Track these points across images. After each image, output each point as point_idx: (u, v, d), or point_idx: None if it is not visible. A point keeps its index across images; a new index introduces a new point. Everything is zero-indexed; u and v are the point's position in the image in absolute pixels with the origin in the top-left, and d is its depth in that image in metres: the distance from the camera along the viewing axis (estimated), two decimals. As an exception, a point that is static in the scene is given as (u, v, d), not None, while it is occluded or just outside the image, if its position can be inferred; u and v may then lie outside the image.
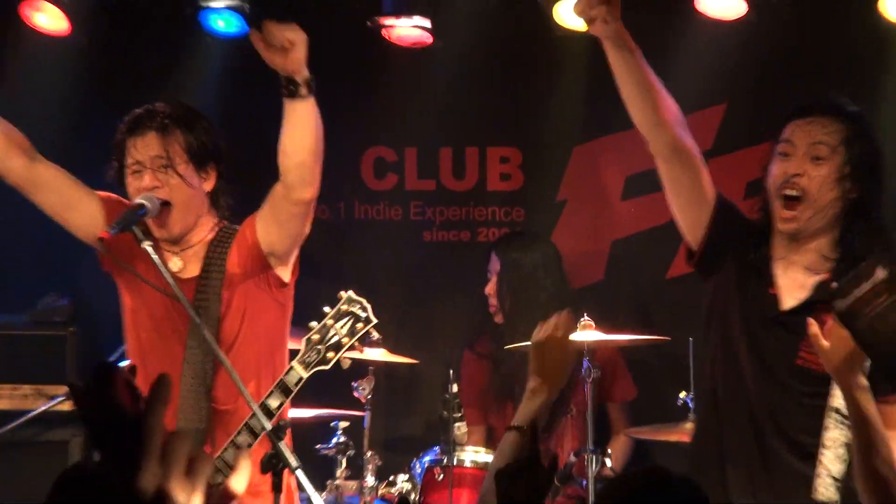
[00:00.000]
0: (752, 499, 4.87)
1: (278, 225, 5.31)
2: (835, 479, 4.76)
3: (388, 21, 6.94)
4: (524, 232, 7.46)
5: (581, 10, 4.80)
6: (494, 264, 7.08)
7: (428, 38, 6.97)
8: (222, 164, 5.38)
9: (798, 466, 4.89)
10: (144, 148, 5.22)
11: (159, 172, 5.22)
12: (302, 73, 5.12)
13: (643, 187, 7.48)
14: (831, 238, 4.97)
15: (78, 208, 5.52)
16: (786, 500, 4.71)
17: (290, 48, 5.08)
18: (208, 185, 5.32)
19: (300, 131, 5.24)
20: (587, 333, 5.91)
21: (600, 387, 6.32)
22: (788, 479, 4.88)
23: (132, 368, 2.80)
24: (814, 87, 6.99)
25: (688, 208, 5.09)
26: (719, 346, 5.11)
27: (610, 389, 7.03)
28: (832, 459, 4.77)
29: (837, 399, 4.76)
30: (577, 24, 6.89)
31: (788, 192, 4.87)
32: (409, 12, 6.92)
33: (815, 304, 4.83)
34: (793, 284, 5.03)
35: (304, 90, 5.14)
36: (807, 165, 4.89)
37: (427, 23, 6.90)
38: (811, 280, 4.96)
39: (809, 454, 4.80)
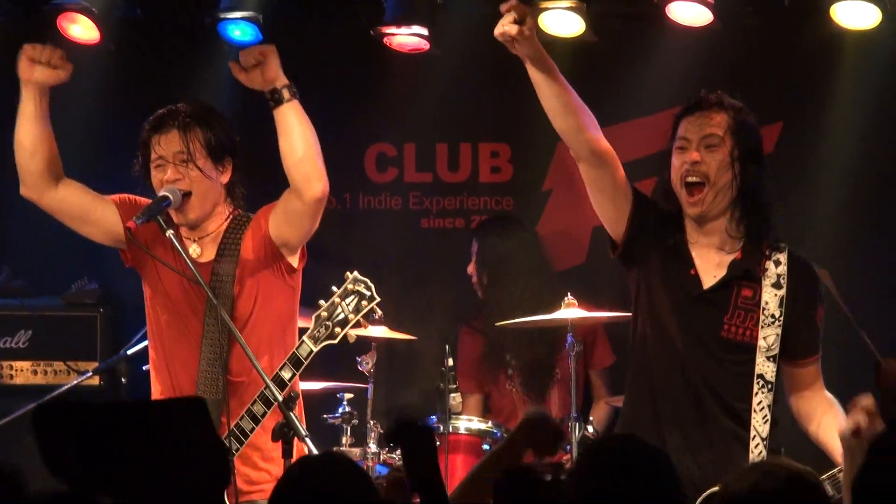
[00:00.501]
0: (690, 459, 5.03)
1: (290, 223, 5.47)
2: (763, 439, 5.18)
3: (389, 30, 7.05)
4: (502, 217, 7.71)
5: (499, 33, 5.07)
6: (474, 247, 7.28)
7: (425, 45, 7.09)
8: (238, 158, 5.55)
9: (735, 429, 5.16)
10: (167, 144, 5.39)
11: (181, 166, 5.39)
12: (281, 80, 5.30)
13: None
14: (732, 217, 5.22)
15: (93, 221, 5.70)
16: (725, 458, 4.93)
17: (264, 60, 5.28)
18: (225, 178, 5.48)
19: (294, 133, 5.41)
20: (571, 311, 6.19)
21: (583, 357, 6.58)
22: (727, 438, 5.14)
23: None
24: (773, 88, 7.22)
25: (608, 205, 5.36)
26: (648, 324, 5.35)
27: (590, 357, 7.24)
28: (760, 422, 5.17)
29: (760, 366, 5.23)
30: (560, 31, 6.95)
31: (691, 178, 5.13)
32: (408, 22, 7.03)
33: (731, 280, 5.21)
34: (709, 265, 5.27)
35: (287, 94, 5.32)
36: (702, 153, 5.13)
37: (425, 31, 7.03)
38: (727, 259, 5.22)
39: (743, 419, 5.13)
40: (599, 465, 3.61)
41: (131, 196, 5.63)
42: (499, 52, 7.05)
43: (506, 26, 5.08)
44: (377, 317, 5.51)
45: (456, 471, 6.05)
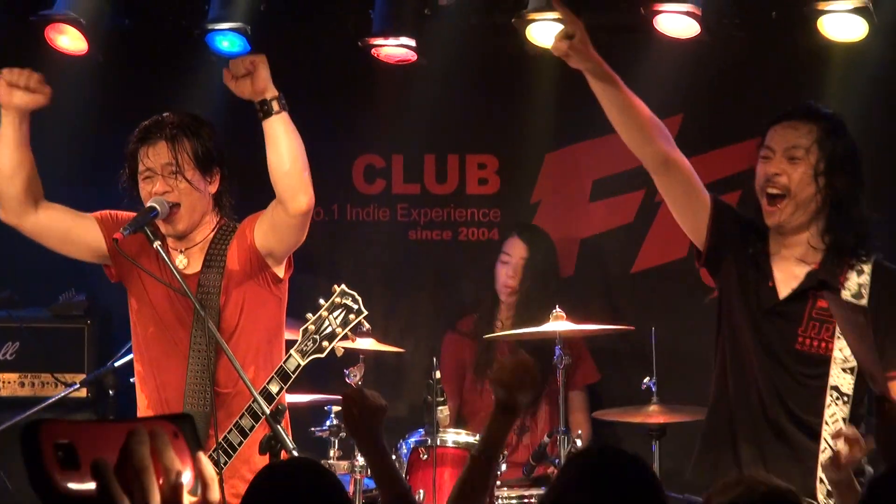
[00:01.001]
0: (765, 472, 4.67)
1: (275, 234, 5.44)
2: (833, 450, 5.01)
3: (377, 41, 7.05)
4: (534, 225, 7.67)
5: (554, 48, 4.99)
6: (518, 248, 7.25)
7: (413, 56, 7.07)
8: (226, 168, 5.52)
9: (805, 442, 5.10)
10: (155, 156, 5.35)
11: (169, 178, 5.36)
12: (271, 92, 5.27)
13: (610, 190, 7.81)
14: (816, 230, 5.13)
15: (75, 240, 5.67)
16: (797, 472, 4.88)
17: (254, 70, 5.24)
18: (213, 188, 5.45)
19: (282, 145, 5.39)
20: (559, 323, 6.12)
21: (569, 372, 6.46)
22: (798, 452, 5.08)
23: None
24: (760, 100, 7.23)
25: (687, 214, 5.27)
26: (728, 337, 5.27)
27: (573, 375, 7.08)
28: (829, 435, 5.10)
29: (834, 378, 5.16)
30: (548, 42, 7.08)
31: (770, 190, 5.05)
32: (395, 33, 7.04)
33: (807, 291, 5.13)
34: (787, 276, 5.20)
35: (276, 106, 5.28)
36: (785, 166, 5.05)
37: (412, 42, 7.03)
38: (803, 270, 5.14)
39: (815, 432, 5.05)
40: (580, 475, 3.55)
41: (112, 211, 5.62)
42: (486, 63, 7.57)
43: (560, 41, 5.06)
44: (365, 330, 5.49)
45: (444, 483, 5.99)
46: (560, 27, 6.70)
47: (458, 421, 7.09)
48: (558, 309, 6.20)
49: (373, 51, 7.06)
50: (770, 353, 5.19)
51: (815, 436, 5.09)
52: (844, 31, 6.59)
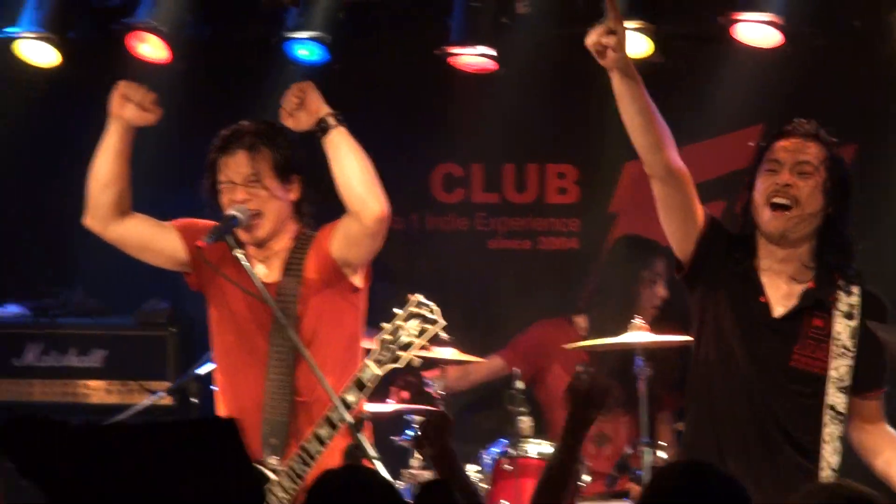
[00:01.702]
0: (752, 487, 4.62)
1: (350, 244, 5.48)
2: (834, 470, 5.15)
3: (455, 50, 7.11)
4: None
5: (593, 42, 5.01)
6: (662, 267, 7.22)
7: (492, 65, 7.13)
8: (305, 175, 5.59)
9: (799, 460, 5.12)
10: (235, 166, 5.43)
11: (249, 187, 5.41)
12: (324, 110, 5.36)
13: None
14: (810, 249, 5.18)
15: (155, 249, 5.75)
16: (788, 488, 4.73)
17: (304, 96, 5.38)
18: (293, 195, 5.49)
19: (345, 159, 5.44)
20: (640, 334, 6.12)
21: (652, 382, 6.43)
22: (791, 470, 5.10)
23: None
24: (843, 109, 7.15)
25: (678, 224, 5.31)
26: (713, 349, 5.29)
27: (661, 382, 6.92)
28: (831, 452, 5.14)
29: (831, 397, 5.18)
30: (627, 51, 7.18)
31: (778, 200, 5.09)
32: (473, 42, 7.09)
33: (803, 310, 5.17)
34: (778, 293, 5.24)
35: (332, 121, 5.35)
36: (795, 178, 5.11)
37: (492, 51, 7.07)
38: (798, 288, 5.19)
39: (809, 450, 5.10)
40: (668, 491, 3.54)
41: (192, 220, 5.68)
42: (566, 72, 7.39)
43: (602, 36, 5.05)
44: (443, 339, 5.53)
45: (527, 494, 5.82)
46: (635, 36, 6.94)
47: (539, 431, 6.85)
48: (639, 318, 6.21)
49: (450, 59, 7.10)
50: (763, 370, 5.22)
51: (808, 454, 5.16)
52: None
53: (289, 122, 5.50)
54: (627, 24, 6.67)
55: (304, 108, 5.46)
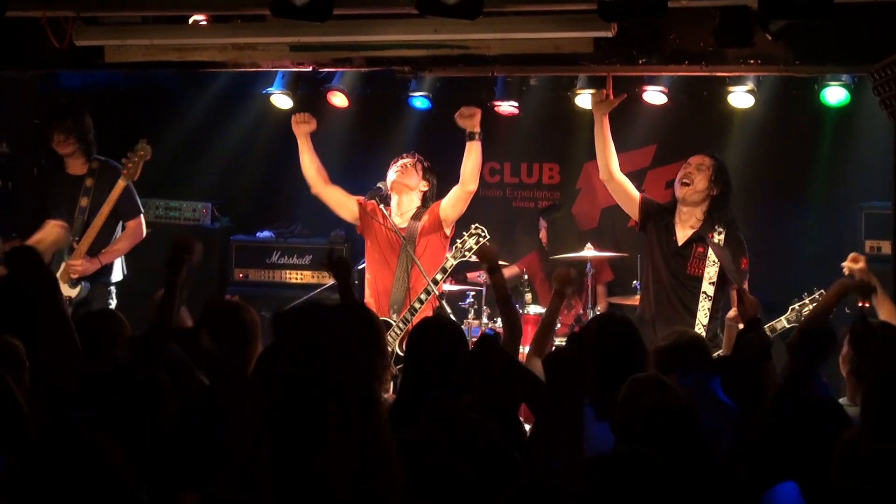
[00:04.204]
0: (666, 329, 5.66)
1: (452, 207, 7.27)
2: (702, 325, 6.65)
3: (497, 102, 8.89)
4: (554, 204, 9.46)
5: (596, 102, 6.76)
6: (542, 223, 9.23)
7: (516, 111, 8.98)
8: (433, 178, 7.57)
9: (689, 319, 6.62)
10: (403, 166, 7.39)
11: (404, 177, 7.39)
12: (475, 129, 7.16)
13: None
14: (700, 210, 6.83)
15: (343, 208, 7.55)
16: (682, 329, 5.32)
17: (472, 116, 7.18)
18: (424, 188, 7.54)
19: (472, 155, 7.20)
20: (590, 251, 8.08)
21: (594, 276, 8.21)
22: (685, 322, 6.49)
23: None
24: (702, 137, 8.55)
25: (624, 203, 6.85)
26: (650, 265, 6.88)
27: (599, 276, 8.77)
28: (703, 315, 6.65)
29: (705, 287, 6.65)
30: (586, 104, 8.18)
31: (685, 180, 6.83)
32: (507, 99, 8.89)
33: (692, 242, 6.70)
34: (683, 234, 6.85)
35: (475, 136, 7.15)
36: (694, 171, 6.84)
37: (516, 104, 8.90)
38: (691, 231, 6.83)
39: (694, 313, 6.60)
40: (600, 330, 4.65)
41: (361, 198, 7.51)
42: (555, 115, 9.04)
43: (603, 95, 6.72)
44: (489, 243, 6.84)
45: (529, 335, 6.49)
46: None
47: (534, 301, 8.54)
48: (589, 244, 8.21)
49: (495, 107, 8.85)
50: (673, 274, 6.77)
51: (694, 315, 6.60)
52: None
53: (459, 121, 7.11)
54: (589, 90, 7.97)
55: (470, 119, 7.12)
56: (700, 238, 6.82)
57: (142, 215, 7.91)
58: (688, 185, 6.88)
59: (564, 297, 5.71)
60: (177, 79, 9.42)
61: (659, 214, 6.96)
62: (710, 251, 6.76)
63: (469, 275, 8.41)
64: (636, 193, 6.93)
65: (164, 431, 3.66)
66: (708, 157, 7.03)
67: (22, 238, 7.27)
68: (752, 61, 7.08)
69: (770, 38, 6.75)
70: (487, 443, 4.04)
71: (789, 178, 9.20)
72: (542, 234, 9.15)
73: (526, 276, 8.49)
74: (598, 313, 7.66)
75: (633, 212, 7.01)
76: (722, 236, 6.83)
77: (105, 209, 7.71)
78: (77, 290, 7.59)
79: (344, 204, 7.58)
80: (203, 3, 7.22)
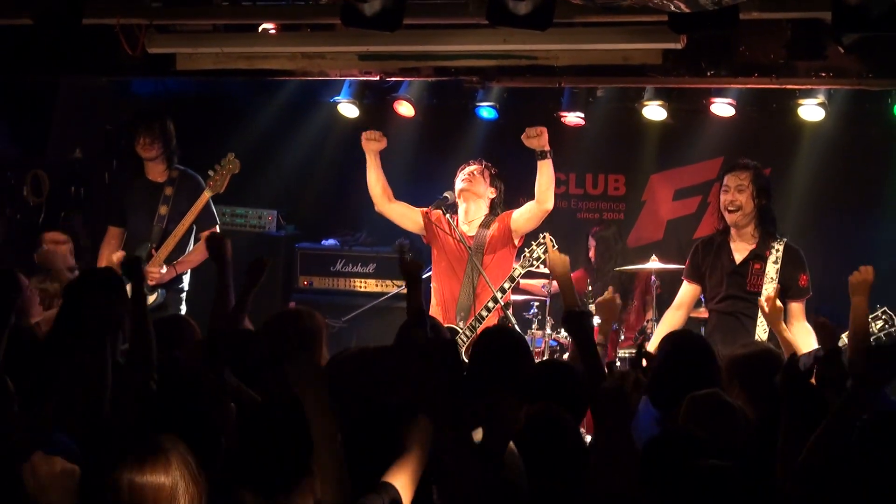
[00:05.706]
0: (732, 342, 5.89)
1: (527, 219, 7.24)
2: (761, 338, 6.54)
3: (564, 113, 9.05)
4: (604, 222, 9.48)
5: (528, 137, 6.83)
6: (591, 241, 9.31)
7: (582, 122, 9.14)
8: (500, 184, 7.58)
9: (749, 329, 6.64)
10: (470, 174, 7.37)
11: (473, 184, 7.33)
12: (544, 147, 7.10)
13: (682, 195, 9.55)
14: (752, 227, 6.79)
15: (408, 221, 7.50)
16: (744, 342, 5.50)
17: (540, 135, 7.10)
18: (492, 194, 7.54)
19: (544, 174, 7.20)
20: (654, 263, 8.26)
21: (658, 288, 8.35)
22: (747, 328, 6.62)
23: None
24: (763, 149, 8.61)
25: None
26: (713, 282, 6.84)
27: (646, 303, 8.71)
28: (759, 331, 6.67)
29: (762, 300, 6.39)
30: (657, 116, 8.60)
31: (731, 208, 6.80)
32: (573, 110, 9.04)
33: (749, 260, 6.69)
34: (740, 255, 6.82)
35: (546, 155, 7.12)
36: (736, 195, 6.77)
37: (582, 114, 9.04)
38: (747, 248, 6.78)
39: (754, 321, 6.60)
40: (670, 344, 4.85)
41: (425, 209, 7.46)
42: (621, 126, 9.18)
43: (535, 135, 6.92)
44: (554, 250, 6.64)
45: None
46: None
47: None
48: (654, 256, 8.44)
49: (562, 118, 9.05)
50: (734, 289, 6.80)
51: (755, 325, 6.66)
52: None
53: (526, 141, 7.05)
54: (655, 101, 8.33)
55: (538, 139, 7.07)
56: (757, 256, 6.84)
57: (217, 227, 7.94)
58: (735, 211, 6.87)
59: (610, 331, 5.65)
60: (246, 86, 9.60)
61: (705, 251, 7.00)
62: (768, 267, 6.76)
63: (530, 285, 8.49)
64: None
65: (227, 433, 3.74)
66: (742, 171, 6.97)
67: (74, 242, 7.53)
68: (823, 74, 7.11)
69: (843, 50, 6.76)
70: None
71: (860, 192, 9.23)
72: (592, 253, 9.22)
73: (590, 287, 8.61)
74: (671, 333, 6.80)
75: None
76: (779, 253, 6.83)
77: (187, 219, 7.75)
78: (154, 296, 7.63)
79: (407, 216, 7.60)
80: (273, 12, 7.28)
